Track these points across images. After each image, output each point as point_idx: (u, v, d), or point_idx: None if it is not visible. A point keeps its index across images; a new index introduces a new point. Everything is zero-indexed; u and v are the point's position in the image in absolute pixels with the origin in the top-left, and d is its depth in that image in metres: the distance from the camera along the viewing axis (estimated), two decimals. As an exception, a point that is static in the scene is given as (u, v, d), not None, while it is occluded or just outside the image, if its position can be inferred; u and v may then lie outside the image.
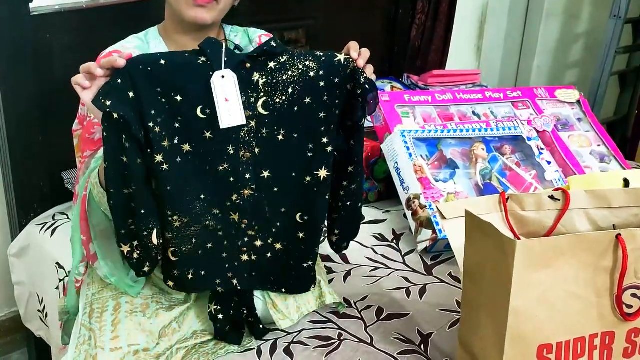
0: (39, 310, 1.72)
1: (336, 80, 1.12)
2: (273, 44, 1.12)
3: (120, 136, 1.06)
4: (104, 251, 1.22)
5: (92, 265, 1.25)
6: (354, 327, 1.32)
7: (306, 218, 1.19)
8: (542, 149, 1.85)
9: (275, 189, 1.17)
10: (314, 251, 1.23)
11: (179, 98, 1.09)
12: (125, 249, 1.13)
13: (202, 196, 1.15)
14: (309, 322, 1.33)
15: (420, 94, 1.95)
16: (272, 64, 1.12)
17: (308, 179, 1.16)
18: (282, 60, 1.12)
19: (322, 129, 1.14)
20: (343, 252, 1.54)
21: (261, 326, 1.28)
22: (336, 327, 1.32)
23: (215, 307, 1.24)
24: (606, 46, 2.70)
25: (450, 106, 1.94)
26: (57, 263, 1.61)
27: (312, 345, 1.26)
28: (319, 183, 1.16)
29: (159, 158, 1.10)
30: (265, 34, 1.46)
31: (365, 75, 1.12)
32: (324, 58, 1.12)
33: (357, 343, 1.27)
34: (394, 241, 1.68)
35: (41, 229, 1.72)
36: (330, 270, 1.53)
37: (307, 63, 1.12)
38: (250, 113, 1.13)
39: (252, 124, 1.13)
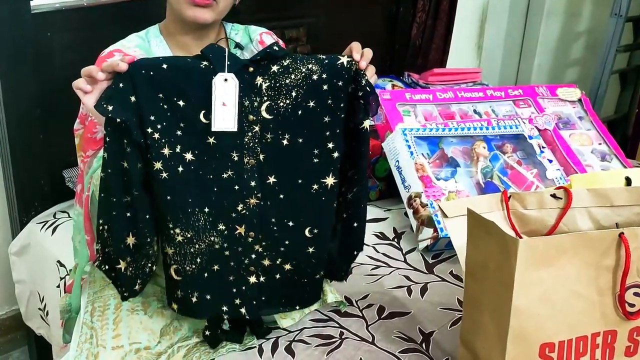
0: (39, 309, 1.72)
1: (339, 83, 1.11)
2: (275, 47, 1.11)
3: (122, 141, 1.05)
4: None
5: (95, 264, 1.24)
6: (355, 326, 1.32)
7: (316, 231, 1.18)
8: (543, 147, 1.85)
9: (282, 196, 1.15)
10: (324, 260, 1.22)
11: (181, 103, 1.08)
12: (123, 265, 1.11)
13: (207, 209, 1.13)
14: (310, 320, 1.32)
15: (421, 92, 1.95)
16: (275, 68, 1.10)
17: (315, 187, 1.15)
18: (285, 63, 1.11)
19: (327, 133, 1.13)
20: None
21: (264, 326, 1.27)
22: (337, 325, 1.32)
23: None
24: (607, 45, 2.71)
25: (451, 104, 1.94)
26: (58, 261, 1.61)
27: (314, 344, 1.26)
28: (326, 191, 1.15)
29: (157, 165, 1.08)
30: (265, 32, 1.46)
31: (366, 77, 1.11)
32: (326, 61, 1.11)
33: (359, 342, 1.27)
34: (395, 240, 1.68)
35: (42, 227, 1.72)
36: (331, 269, 1.53)
37: (310, 66, 1.11)
38: (254, 117, 1.11)
39: (257, 128, 1.12)
